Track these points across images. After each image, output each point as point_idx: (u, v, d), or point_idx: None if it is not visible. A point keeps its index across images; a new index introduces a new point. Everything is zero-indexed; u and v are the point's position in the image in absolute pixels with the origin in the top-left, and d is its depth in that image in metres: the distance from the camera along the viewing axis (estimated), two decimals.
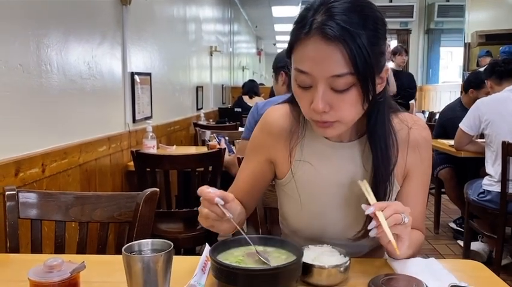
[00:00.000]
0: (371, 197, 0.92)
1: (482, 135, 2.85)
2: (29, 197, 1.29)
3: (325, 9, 0.84)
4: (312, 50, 0.84)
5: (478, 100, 2.88)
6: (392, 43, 6.77)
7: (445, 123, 3.56)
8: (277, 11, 9.53)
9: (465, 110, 3.35)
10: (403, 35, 8.83)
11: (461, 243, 3.18)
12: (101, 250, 1.31)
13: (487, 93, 3.29)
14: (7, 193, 1.27)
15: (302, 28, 0.85)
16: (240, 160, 1.60)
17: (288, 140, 1.05)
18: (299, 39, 0.86)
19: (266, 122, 1.09)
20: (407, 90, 5.12)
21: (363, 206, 0.89)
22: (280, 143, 1.06)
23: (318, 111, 0.87)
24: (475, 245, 2.96)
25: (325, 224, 1.04)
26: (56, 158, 1.89)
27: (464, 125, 2.83)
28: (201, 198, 0.89)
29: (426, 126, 1.06)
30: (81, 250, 1.30)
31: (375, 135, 0.97)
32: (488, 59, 5.16)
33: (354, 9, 0.84)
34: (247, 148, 1.13)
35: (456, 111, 3.45)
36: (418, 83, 7.92)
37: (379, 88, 0.91)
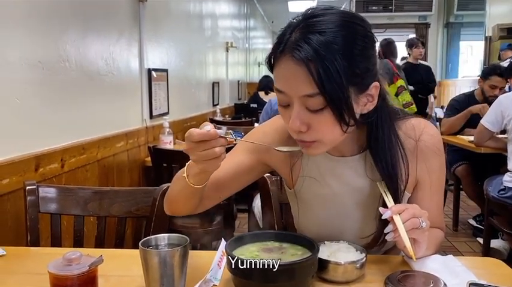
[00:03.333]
0: (389, 199, 0.91)
1: (502, 132, 2.78)
2: (48, 191, 1.32)
3: (303, 25, 0.81)
4: (283, 69, 0.82)
5: (500, 95, 2.81)
6: (410, 37, 6.67)
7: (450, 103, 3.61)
8: (294, 6, 9.45)
9: (472, 99, 3.41)
10: (422, 29, 8.65)
11: (480, 240, 3.13)
12: (119, 244, 1.33)
13: (491, 87, 3.25)
14: (28, 187, 1.29)
15: (278, 45, 0.83)
16: None
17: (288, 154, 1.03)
18: (276, 57, 0.84)
19: (271, 129, 1.07)
20: (426, 84, 5.03)
21: (380, 209, 0.87)
22: (280, 154, 1.02)
23: (294, 131, 0.85)
24: (495, 243, 2.91)
25: (335, 234, 1.03)
26: (75, 153, 1.92)
27: (486, 121, 2.76)
28: (189, 146, 0.82)
29: (435, 131, 1.01)
30: (99, 244, 1.32)
31: (376, 150, 0.94)
32: (510, 53, 5.04)
33: (334, 26, 0.79)
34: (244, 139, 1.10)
35: (461, 97, 3.53)
36: (437, 78, 7.78)
37: (368, 107, 0.87)
